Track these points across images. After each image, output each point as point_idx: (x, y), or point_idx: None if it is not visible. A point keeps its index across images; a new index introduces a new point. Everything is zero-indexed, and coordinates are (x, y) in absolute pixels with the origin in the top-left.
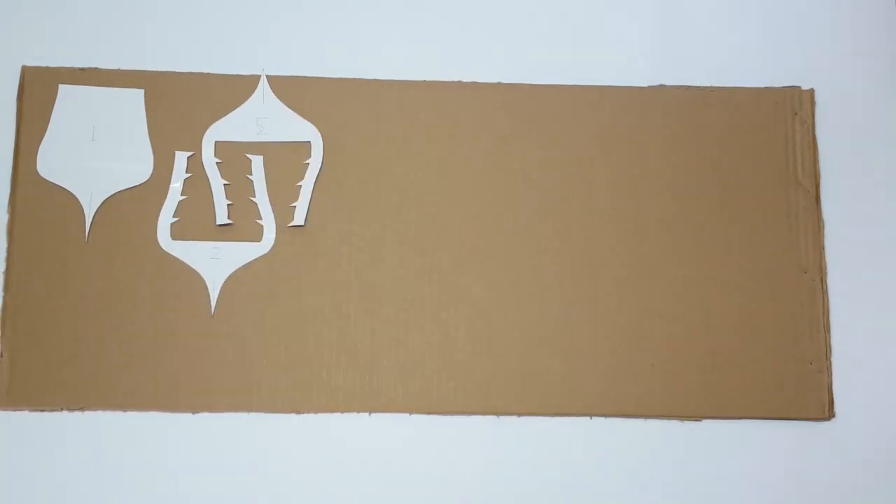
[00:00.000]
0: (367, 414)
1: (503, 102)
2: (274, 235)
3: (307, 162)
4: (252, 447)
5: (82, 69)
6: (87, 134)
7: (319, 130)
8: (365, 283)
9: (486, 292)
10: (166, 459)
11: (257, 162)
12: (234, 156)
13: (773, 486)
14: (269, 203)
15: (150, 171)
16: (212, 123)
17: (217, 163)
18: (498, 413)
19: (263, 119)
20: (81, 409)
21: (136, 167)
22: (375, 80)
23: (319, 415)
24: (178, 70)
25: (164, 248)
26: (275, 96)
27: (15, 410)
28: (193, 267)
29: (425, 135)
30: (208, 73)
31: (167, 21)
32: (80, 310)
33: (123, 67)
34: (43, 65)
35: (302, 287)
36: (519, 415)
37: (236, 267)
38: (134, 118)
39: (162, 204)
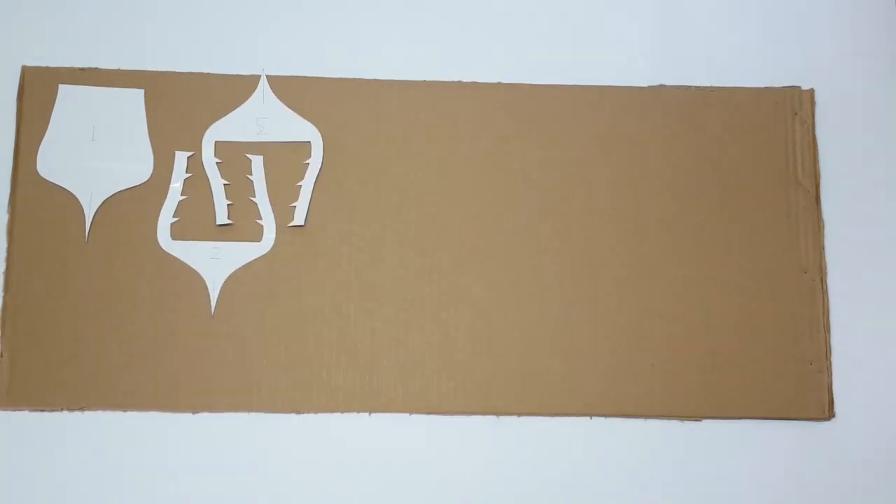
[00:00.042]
0: (367, 414)
1: (503, 102)
2: (274, 235)
3: (307, 162)
4: (252, 447)
5: (82, 69)
6: (87, 134)
7: (319, 130)
8: (365, 283)
9: (486, 292)
10: (166, 459)
11: (257, 162)
12: (234, 156)
13: (773, 486)
14: (269, 203)
15: (150, 171)
16: (212, 123)
17: (217, 163)
18: (498, 413)
19: (263, 119)
20: (81, 409)
21: (136, 167)
22: (375, 80)
23: (319, 415)
24: (178, 70)
25: (164, 248)
26: (275, 96)
27: (15, 410)
28: (193, 267)
29: (425, 135)
30: (208, 73)
31: (167, 21)
32: (80, 310)
33: (123, 67)
34: (43, 65)
35: (302, 287)
36: (519, 415)
37: (236, 267)
38: (134, 118)
39: (162, 204)
